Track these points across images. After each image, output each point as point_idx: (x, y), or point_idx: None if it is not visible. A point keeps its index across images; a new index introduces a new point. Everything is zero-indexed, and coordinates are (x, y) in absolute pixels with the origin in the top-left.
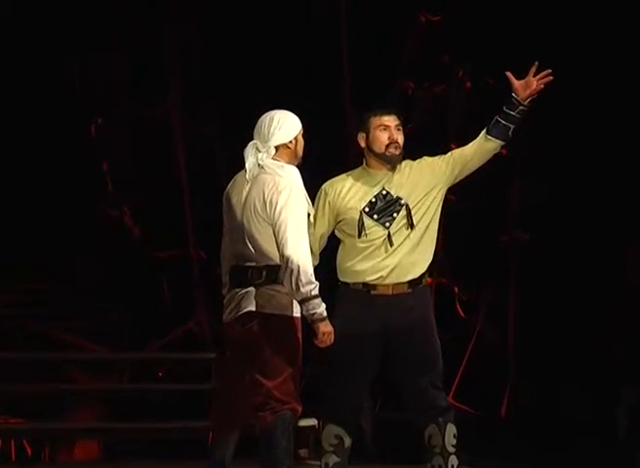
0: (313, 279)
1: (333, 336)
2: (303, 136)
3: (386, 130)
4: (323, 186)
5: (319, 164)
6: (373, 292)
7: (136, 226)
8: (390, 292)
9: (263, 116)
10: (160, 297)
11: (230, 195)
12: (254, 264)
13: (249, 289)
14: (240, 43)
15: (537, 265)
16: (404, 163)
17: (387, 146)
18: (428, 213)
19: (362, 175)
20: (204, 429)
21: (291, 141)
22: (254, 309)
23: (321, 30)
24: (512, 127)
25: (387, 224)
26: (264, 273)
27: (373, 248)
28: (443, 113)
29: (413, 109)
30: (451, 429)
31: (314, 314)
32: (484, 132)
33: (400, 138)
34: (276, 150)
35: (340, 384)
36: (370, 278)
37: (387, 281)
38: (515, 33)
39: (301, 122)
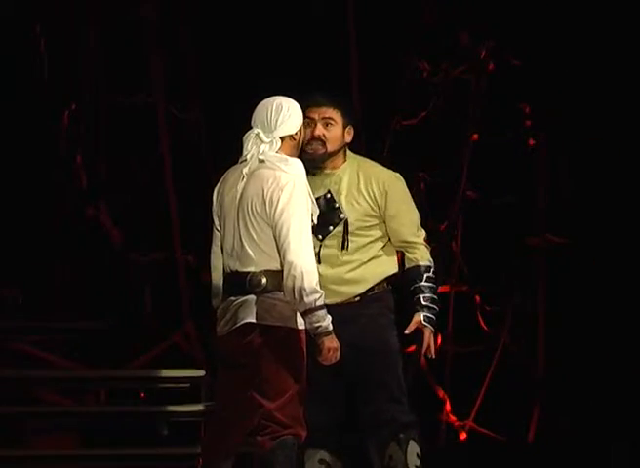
0: (319, 287)
1: (338, 353)
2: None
3: (313, 124)
4: None
5: None
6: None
7: (114, 227)
8: (332, 302)
9: (267, 102)
10: (142, 307)
11: (222, 192)
12: (252, 269)
13: (246, 297)
14: (233, 18)
15: (570, 272)
16: (360, 166)
17: (308, 143)
18: (377, 234)
19: (316, 173)
20: (193, 457)
21: (296, 133)
22: (253, 320)
23: (325, 5)
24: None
25: (320, 237)
26: (264, 280)
27: None
28: (463, 99)
29: (428, 94)
30: (413, 448)
31: (319, 327)
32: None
33: (327, 134)
34: (281, 142)
35: (308, 403)
36: None
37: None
38: (542, 5)
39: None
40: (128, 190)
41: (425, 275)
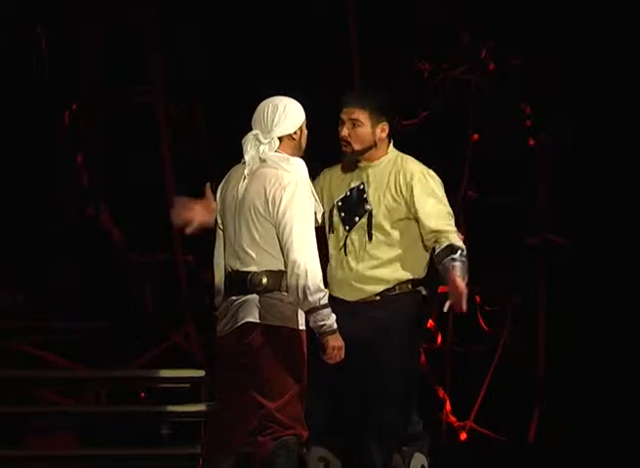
0: (322, 286)
1: (343, 352)
2: (307, 125)
3: (342, 124)
4: (323, 171)
5: (324, 154)
6: (334, 296)
7: (114, 227)
8: (352, 299)
9: (264, 103)
10: (143, 307)
11: (224, 193)
12: (254, 269)
13: (248, 297)
14: (233, 18)
15: (570, 272)
16: (397, 161)
17: (340, 143)
18: (402, 229)
19: (353, 165)
20: (193, 457)
21: (295, 132)
22: (254, 320)
23: (326, 6)
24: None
25: (347, 227)
26: (265, 279)
27: (336, 248)
28: (463, 99)
29: (429, 94)
30: (418, 460)
31: (323, 326)
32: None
33: (352, 134)
34: (279, 142)
35: (312, 400)
36: (330, 287)
37: (339, 294)
38: (542, 5)
39: (304, 109)
40: (128, 190)
41: (459, 252)
